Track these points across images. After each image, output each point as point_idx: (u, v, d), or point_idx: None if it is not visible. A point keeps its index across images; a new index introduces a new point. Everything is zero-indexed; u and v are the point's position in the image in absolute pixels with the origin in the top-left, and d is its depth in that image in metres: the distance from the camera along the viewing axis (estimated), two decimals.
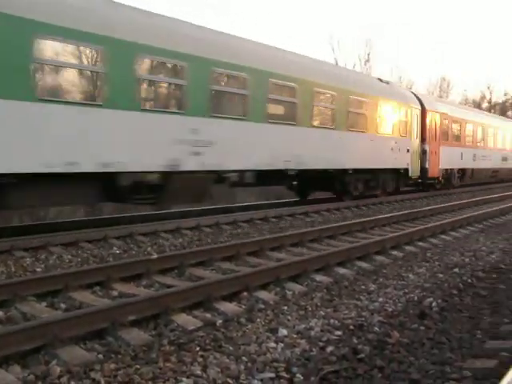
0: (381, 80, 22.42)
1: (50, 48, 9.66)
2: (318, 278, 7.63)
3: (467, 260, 9.10)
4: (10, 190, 9.28)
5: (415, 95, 23.69)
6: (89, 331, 5.00)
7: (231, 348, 4.87)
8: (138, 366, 4.37)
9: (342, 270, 8.13)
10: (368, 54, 49.31)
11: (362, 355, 4.72)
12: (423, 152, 22.50)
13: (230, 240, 10.78)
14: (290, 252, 9.61)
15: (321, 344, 5.03)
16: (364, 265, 8.58)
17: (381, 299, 6.60)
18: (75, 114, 9.84)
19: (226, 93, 13.33)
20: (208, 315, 5.83)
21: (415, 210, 15.53)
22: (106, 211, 15.64)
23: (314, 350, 4.90)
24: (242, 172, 13.92)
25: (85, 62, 10.67)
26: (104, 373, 4.23)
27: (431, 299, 6.50)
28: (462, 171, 26.67)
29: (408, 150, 21.27)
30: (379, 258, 9.11)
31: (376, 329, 5.46)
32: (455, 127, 25.94)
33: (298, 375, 4.31)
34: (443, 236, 11.57)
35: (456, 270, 8.31)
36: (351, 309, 6.19)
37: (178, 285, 6.93)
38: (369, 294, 6.89)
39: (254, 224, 13.14)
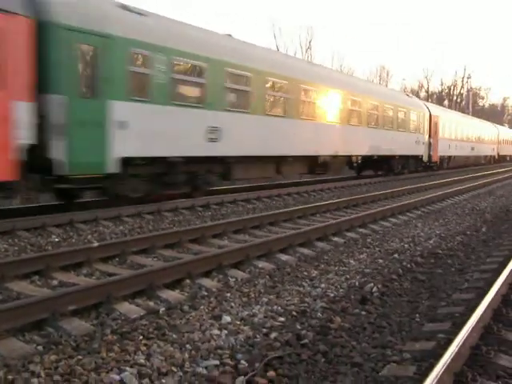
0: (408, 95, 35.29)
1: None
2: (261, 264, 7.66)
3: (406, 246, 9.31)
4: (292, 163, 18.74)
5: (424, 104, 33.69)
6: (28, 322, 4.87)
7: (175, 336, 4.83)
8: (79, 357, 4.28)
9: (284, 257, 8.19)
10: (309, 42, 49.61)
11: (306, 341, 4.78)
12: (429, 144, 31.43)
13: (172, 227, 10.70)
14: (232, 239, 9.61)
15: (264, 330, 5.06)
16: (306, 251, 8.66)
17: (323, 285, 6.68)
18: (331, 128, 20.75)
19: (354, 111, 23.00)
20: (151, 303, 5.78)
21: (356, 197, 15.77)
22: (42, 199, 15.20)
23: (257, 336, 4.92)
24: (356, 156, 23.54)
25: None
26: (44, 365, 4.13)
27: (372, 284, 6.63)
28: (449, 158, 36.24)
29: (423, 143, 30.64)
30: (321, 244, 9.22)
31: (319, 314, 5.53)
32: (446, 125, 35.10)
33: (242, 362, 4.32)
34: (383, 222, 11.80)
35: (396, 255, 8.50)
36: (294, 295, 6.24)
37: (120, 273, 6.83)
38: (311, 280, 6.97)
39: (196, 211, 13.07)
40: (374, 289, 6.46)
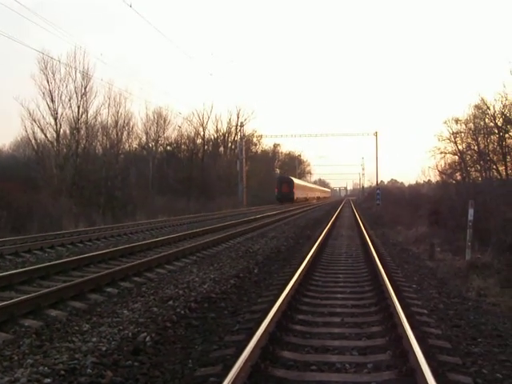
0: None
1: None
2: (27, 322, 7.14)
3: (181, 292, 9.33)
4: None
5: (291, 177, 74.89)
6: None
7: None
8: None
9: (54, 312, 7.74)
10: (85, 88, 47.75)
11: None
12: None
13: None
14: None
15: None
16: (78, 304, 8.29)
17: (94, 339, 6.41)
18: None
19: None
20: None
21: (132, 245, 15.52)
22: None
23: None
24: None
25: None
26: None
27: (145, 334, 6.51)
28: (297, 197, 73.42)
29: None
30: (94, 296, 8.90)
31: (89, 370, 5.27)
32: (300, 185, 77.20)
33: None
34: (159, 270, 11.76)
35: (170, 302, 8.47)
36: (63, 352, 5.89)
37: None
38: (82, 334, 6.65)
39: None
40: (148, 338, 6.36)
